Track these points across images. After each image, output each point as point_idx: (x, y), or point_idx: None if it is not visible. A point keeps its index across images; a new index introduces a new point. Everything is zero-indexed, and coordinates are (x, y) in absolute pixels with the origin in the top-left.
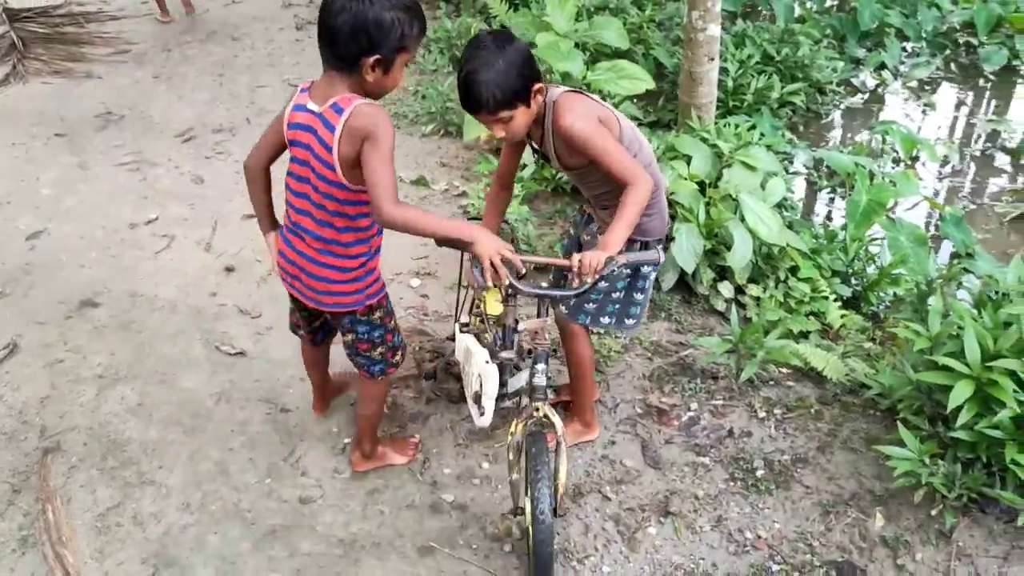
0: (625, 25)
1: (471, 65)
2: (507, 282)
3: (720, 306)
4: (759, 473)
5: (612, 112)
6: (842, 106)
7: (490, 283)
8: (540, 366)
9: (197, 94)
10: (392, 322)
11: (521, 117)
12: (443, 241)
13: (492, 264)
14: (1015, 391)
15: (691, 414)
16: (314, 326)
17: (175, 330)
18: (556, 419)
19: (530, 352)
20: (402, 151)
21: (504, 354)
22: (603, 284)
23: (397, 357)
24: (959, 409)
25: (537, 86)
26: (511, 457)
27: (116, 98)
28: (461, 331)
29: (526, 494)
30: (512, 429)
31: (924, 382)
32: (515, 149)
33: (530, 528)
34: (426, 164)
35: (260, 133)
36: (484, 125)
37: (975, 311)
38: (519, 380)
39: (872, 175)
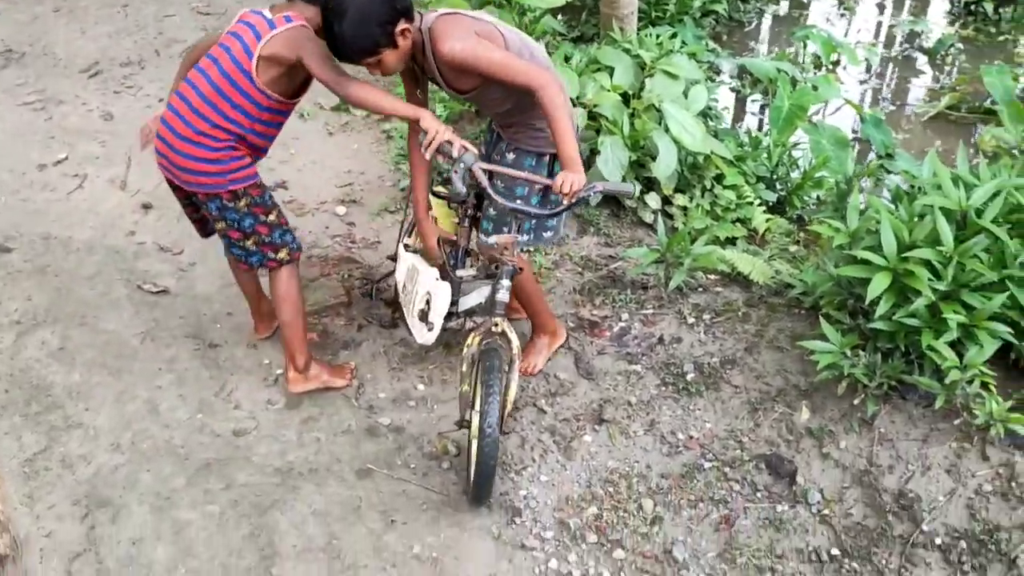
0: None
1: (326, 16)
2: (458, 161)
3: (648, 218)
4: (689, 377)
5: (492, 24)
6: (763, 13)
7: (428, 155)
8: (505, 281)
9: (101, 27)
10: (269, 216)
11: (390, 58)
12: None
13: (441, 143)
14: (930, 279)
15: (622, 324)
16: (199, 215)
17: (93, 271)
18: (513, 336)
19: (495, 267)
20: None
21: (461, 272)
22: (519, 202)
23: (280, 254)
24: (877, 301)
25: (401, 27)
26: (464, 369)
27: (15, 34)
28: (406, 250)
29: (473, 408)
30: (468, 342)
31: (844, 277)
32: (412, 83)
33: (476, 441)
34: None
35: (170, 65)
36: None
37: (892, 206)
38: (471, 299)
39: (794, 81)
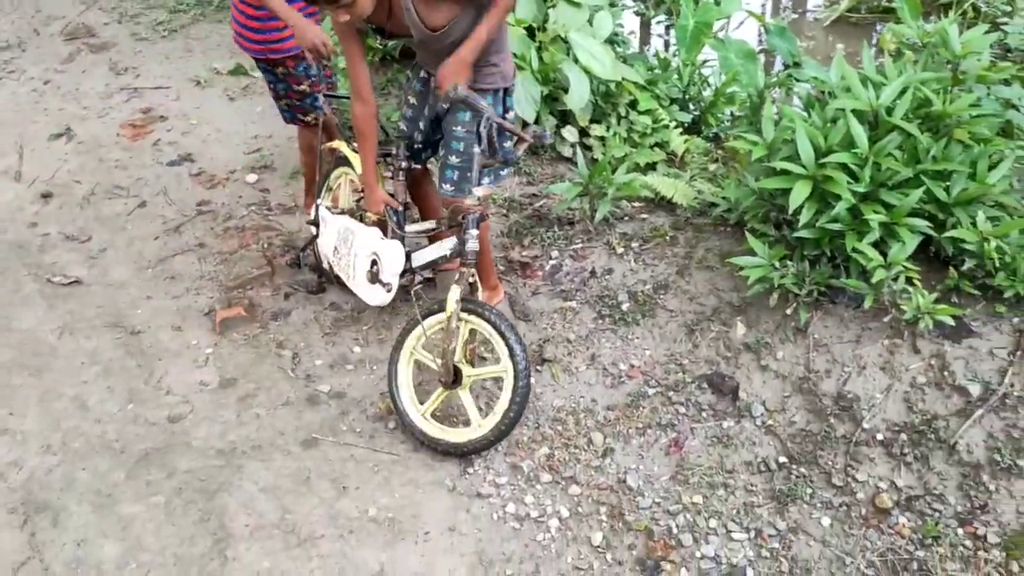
0: None
1: None
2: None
3: (567, 151)
4: (624, 307)
5: None
6: None
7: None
8: (473, 231)
9: None
10: (301, 85)
11: None
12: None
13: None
14: (848, 182)
15: (553, 262)
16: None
17: None
18: (478, 282)
19: (462, 218)
20: (212, 40)
21: (410, 227)
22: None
23: (308, 117)
24: (800, 210)
25: None
26: (453, 325)
27: None
28: (330, 212)
29: (465, 359)
30: (449, 297)
31: (765, 189)
32: (358, 53)
33: (512, 386)
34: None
35: (51, 45)
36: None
37: (805, 113)
38: (428, 254)
39: None
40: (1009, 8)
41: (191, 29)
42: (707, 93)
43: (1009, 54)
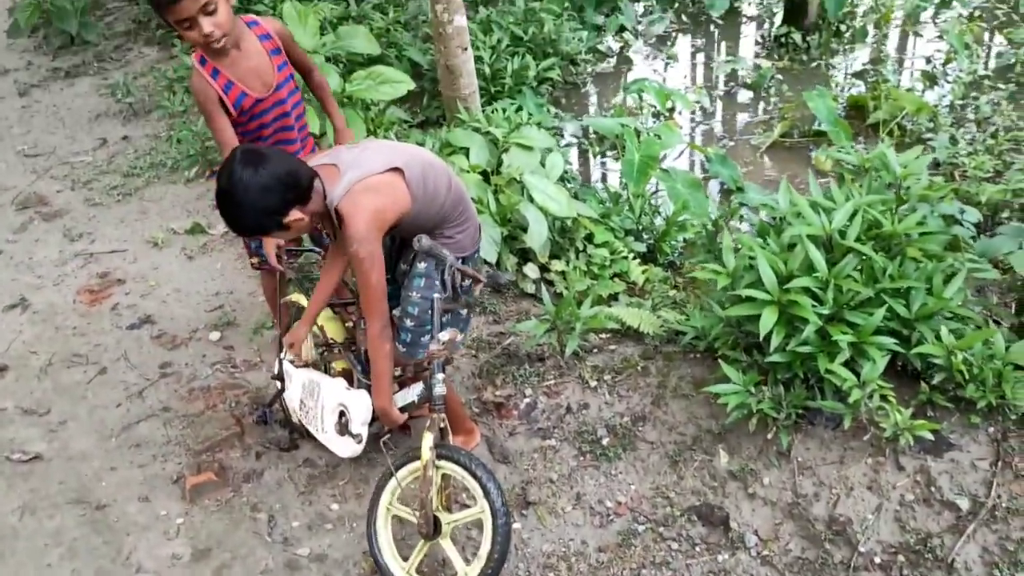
0: (372, 31)
1: (219, 194)
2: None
3: (530, 288)
4: (604, 441)
5: (393, 179)
6: (594, 73)
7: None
8: (440, 375)
9: None
10: None
11: (280, 236)
12: None
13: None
14: (813, 306)
15: (527, 400)
16: None
17: None
18: (448, 427)
19: (427, 363)
20: (167, 201)
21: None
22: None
23: (252, 259)
24: (769, 335)
25: (292, 216)
26: (428, 475)
27: None
28: (294, 366)
29: (444, 507)
30: (423, 447)
31: (732, 316)
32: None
33: (491, 526)
34: (198, 209)
35: (1, 216)
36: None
37: (760, 240)
38: (404, 396)
39: (638, 133)
40: (932, 124)
41: (145, 192)
42: (659, 222)
43: (939, 167)
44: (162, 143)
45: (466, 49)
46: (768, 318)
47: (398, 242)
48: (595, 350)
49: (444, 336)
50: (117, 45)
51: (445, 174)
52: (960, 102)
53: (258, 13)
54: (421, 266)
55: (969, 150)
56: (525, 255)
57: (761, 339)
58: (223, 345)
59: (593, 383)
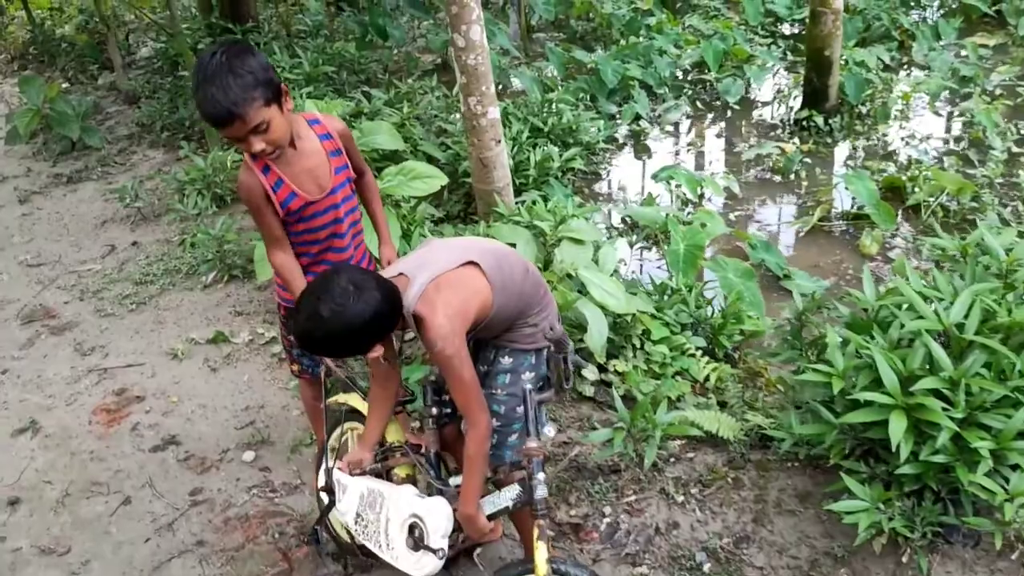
0: None
1: (307, 320)
2: None
3: (588, 391)
4: (706, 568)
5: (469, 271)
6: (612, 162)
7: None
8: (541, 475)
9: None
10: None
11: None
12: None
13: None
14: (944, 409)
15: (608, 520)
16: None
17: None
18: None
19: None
20: (185, 309)
21: (456, 480)
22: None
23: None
24: (895, 443)
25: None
26: None
27: None
28: (351, 474)
29: None
30: (538, 558)
31: (848, 423)
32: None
33: None
34: (218, 317)
35: (5, 331)
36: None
37: (849, 333)
38: (485, 507)
39: (681, 221)
40: (975, 204)
41: (160, 300)
42: (711, 314)
43: None
44: (175, 248)
45: (499, 141)
46: (897, 425)
47: (473, 345)
48: (672, 459)
49: (549, 431)
50: (121, 149)
51: (519, 259)
52: (1000, 180)
53: None
54: (506, 361)
55: (1021, 229)
56: (580, 355)
57: (886, 448)
58: (258, 466)
59: (679, 498)
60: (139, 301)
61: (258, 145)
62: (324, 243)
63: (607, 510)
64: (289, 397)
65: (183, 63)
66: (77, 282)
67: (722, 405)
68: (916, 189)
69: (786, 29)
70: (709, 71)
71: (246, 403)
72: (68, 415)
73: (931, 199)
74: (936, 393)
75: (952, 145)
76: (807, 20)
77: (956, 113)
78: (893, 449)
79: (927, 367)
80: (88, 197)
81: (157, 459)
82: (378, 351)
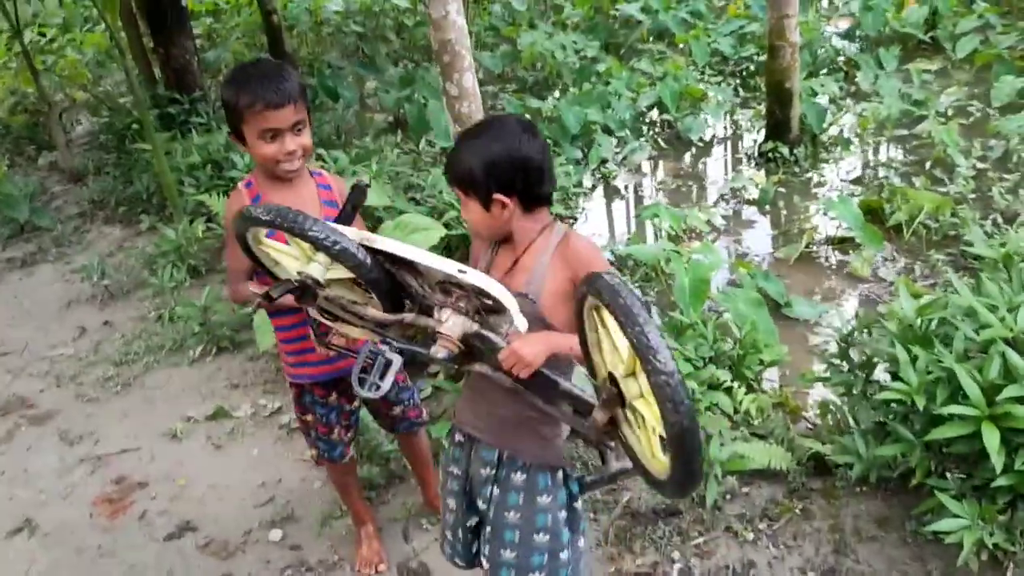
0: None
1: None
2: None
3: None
4: None
5: None
6: (587, 206)
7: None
8: None
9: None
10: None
11: (471, 213)
12: None
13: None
14: None
15: (679, 566)
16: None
17: None
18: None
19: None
20: (175, 387)
21: None
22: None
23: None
24: (976, 458)
25: (498, 197)
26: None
27: None
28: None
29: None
30: None
31: (933, 440)
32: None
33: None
34: (214, 391)
35: None
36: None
37: (918, 350)
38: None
39: (683, 256)
40: (955, 219)
41: (146, 379)
42: (727, 347)
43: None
44: (152, 324)
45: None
46: (991, 436)
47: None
48: (729, 496)
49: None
50: (75, 228)
51: None
52: (972, 196)
53: None
54: (512, 495)
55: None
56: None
57: (969, 463)
58: (287, 545)
59: (748, 535)
60: (123, 382)
61: (291, 144)
62: None
63: (675, 555)
64: (307, 468)
65: (132, 136)
66: (50, 368)
67: (760, 436)
68: (896, 210)
69: (731, 67)
70: (667, 111)
71: (261, 479)
72: (66, 509)
73: (913, 218)
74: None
75: (916, 167)
76: (765, 55)
77: (915, 135)
78: (991, 461)
79: (1003, 376)
80: (47, 279)
81: (174, 548)
82: (468, 208)
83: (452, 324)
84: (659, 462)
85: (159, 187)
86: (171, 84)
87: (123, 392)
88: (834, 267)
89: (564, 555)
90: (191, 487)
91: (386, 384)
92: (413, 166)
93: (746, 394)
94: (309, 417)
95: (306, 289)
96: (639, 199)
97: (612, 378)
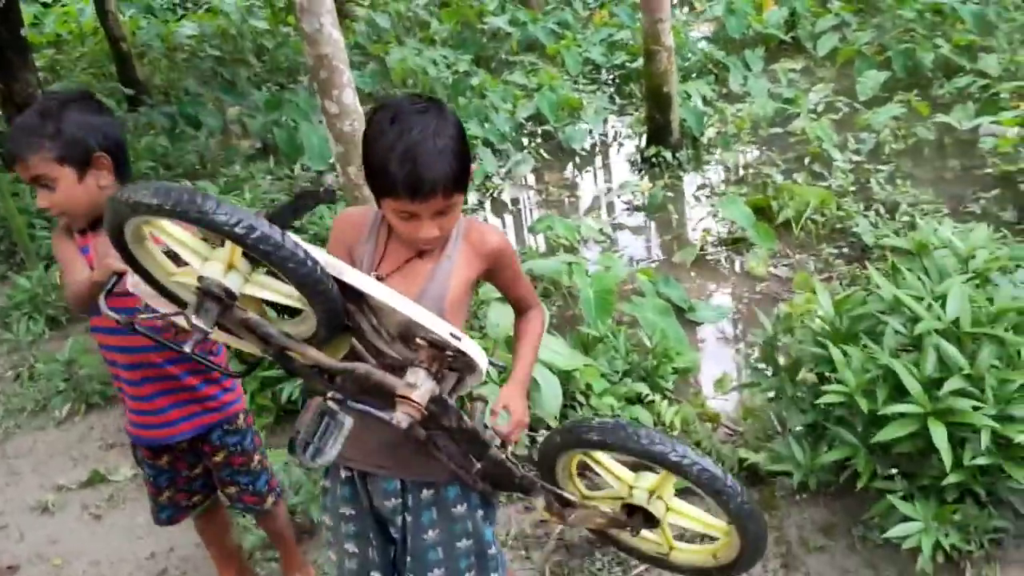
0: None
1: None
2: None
3: None
4: None
5: None
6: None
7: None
8: None
9: None
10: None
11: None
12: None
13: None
14: (975, 407)
15: None
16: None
17: None
18: None
19: None
20: (41, 453)
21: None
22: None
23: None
24: (925, 454)
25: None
26: None
27: None
28: None
29: None
30: None
31: (878, 442)
32: None
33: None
34: (87, 454)
35: None
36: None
37: (851, 348)
38: None
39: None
40: (841, 212)
41: (7, 446)
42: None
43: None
44: (10, 384)
45: None
46: (938, 432)
47: None
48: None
49: None
50: None
51: None
52: (852, 188)
53: None
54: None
55: (895, 228)
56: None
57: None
58: None
59: None
60: None
61: (43, 201)
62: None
63: None
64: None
65: None
66: None
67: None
68: (784, 206)
69: (604, 75)
70: (547, 122)
71: (149, 549)
72: None
73: (800, 214)
74: (963, 395)
75: (796, 163)
76: (637, 61)
77: (789, 132)
78: (937, 458)
79: (938, 369)
80: None
81: None
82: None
83: (424, 390)
84: (681, 552)
85: (7, 232)
86: (13, 120)
87: None
88: (730, 268)
89: (492, 550)
90: (69, 567)
91: (332, 452)
92: (288, 192)
93: (668, 406)
94: (141, 473)
95: (209, 302)
96: (528, 212)
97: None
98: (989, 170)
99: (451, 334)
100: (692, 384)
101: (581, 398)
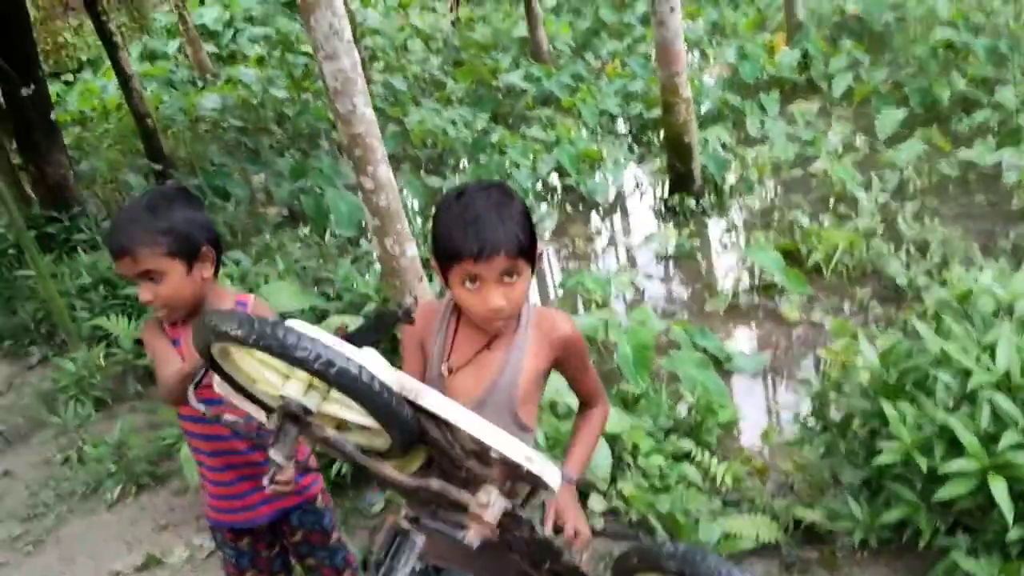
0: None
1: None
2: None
3: (599, 524)
4: None
5: None
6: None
7: None
8: None
9: None
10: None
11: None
12: None
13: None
14: None
15: None
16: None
17: None
18: None
19: None
20: (95, 537)
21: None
22: None
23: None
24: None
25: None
26: None
27: None
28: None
29: None
30: None
31: (939, 500)
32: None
33: None
34: (140, 537)
35: None
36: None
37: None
38: None
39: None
40: (871, 255)
41: (61, 532)
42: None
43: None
44: (60, 468)
45: (422, 279)
46: (999, 488)
47: None
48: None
49: None
50: None
51: None
52: (880, 228)
53: None
54: None
55: (926, 267)
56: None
57: (974, 517)
58: None
59: None
60: (35, 540)
61: (146, 294)
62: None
63: None
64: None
65: (11, 262)
66: None
67: (733, 503)
68: (812, 250)
69: (620, 126)
70: (568, 175)
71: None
72: None
73: (829, 257)
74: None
75: (820, 205)
76: (653, 111)
77: (811, 174)
78: (998, 513)
79: (992, 423)
80: None
81: None
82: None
83: (496, 508)
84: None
85: (47, 314)
86: (47, 202)
87: (37, 551)
88: (763, 314)
89: None
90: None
91: (403, 572)
92: (319, 259)
93: (717, 463)
94: (221, 555)
95: (288, 424)
96: (557, 268)
97: None
98: (1015, 203)
99: (526, 457)
100: (735, 437)
101: (628, 458)
